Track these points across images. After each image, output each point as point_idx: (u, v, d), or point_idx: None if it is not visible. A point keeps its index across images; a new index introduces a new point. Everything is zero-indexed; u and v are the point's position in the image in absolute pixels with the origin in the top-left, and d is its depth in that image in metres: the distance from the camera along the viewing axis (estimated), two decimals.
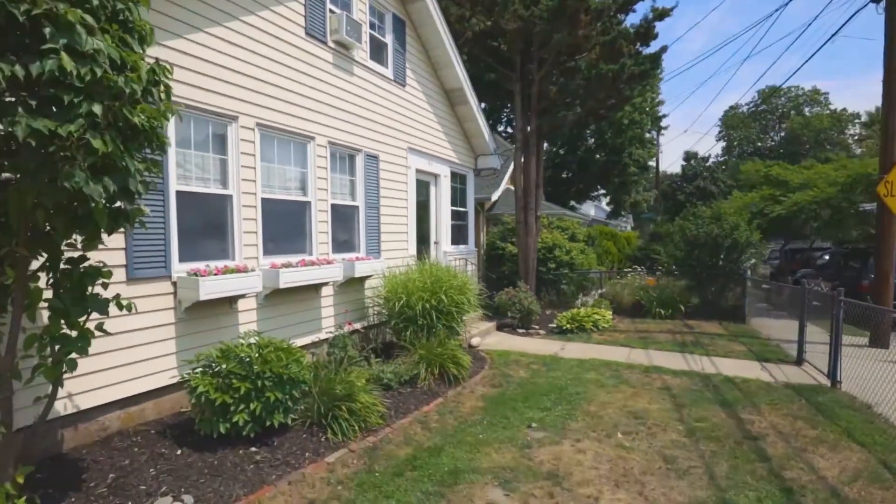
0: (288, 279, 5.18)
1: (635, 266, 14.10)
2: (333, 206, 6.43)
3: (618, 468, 3.73)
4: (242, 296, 4.87)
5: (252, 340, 4.13)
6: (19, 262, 2.58)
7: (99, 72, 2.23)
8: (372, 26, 7.26)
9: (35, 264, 2.76)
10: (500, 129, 23.01)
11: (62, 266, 2.80)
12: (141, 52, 2.62)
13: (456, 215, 10.03)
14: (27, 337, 2.71)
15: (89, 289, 2.82)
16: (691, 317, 10.37)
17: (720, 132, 66.91)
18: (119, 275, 3.92)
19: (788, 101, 66.25)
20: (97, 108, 2.23)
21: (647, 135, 24.32)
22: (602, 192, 25.72)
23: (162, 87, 2.68)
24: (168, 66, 2.77)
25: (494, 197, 16.05)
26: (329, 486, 3.38)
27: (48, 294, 2.79)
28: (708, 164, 40.29)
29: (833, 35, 11.16)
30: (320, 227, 6.16)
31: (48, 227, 2.63)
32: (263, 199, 5.32)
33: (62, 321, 2.73)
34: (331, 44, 6.30)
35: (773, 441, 4.21)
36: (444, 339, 6.00)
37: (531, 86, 10.92)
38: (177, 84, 4.02)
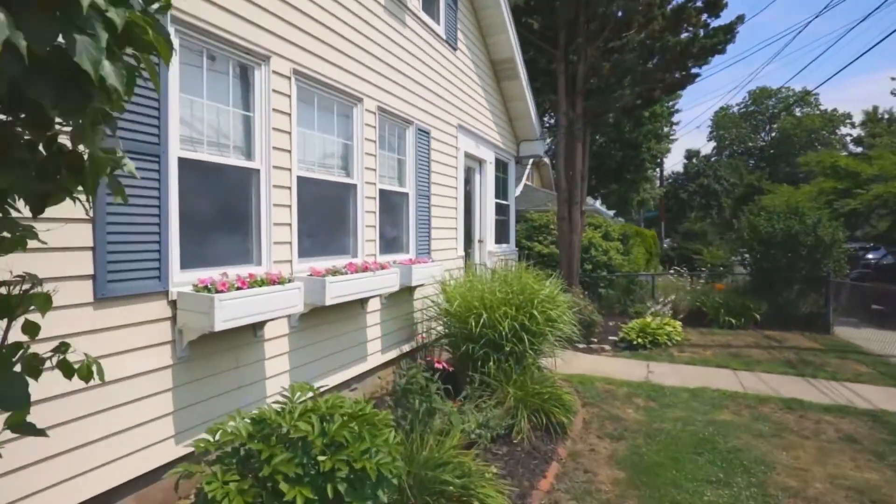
0: (337, 292, 3.59)
1: (675, 268, 12.76)
2: (382, 193, 4.85)
3: None
4: (272, 318, 3.24)
5: (304, 398, 2.53)
6: None
7: None
8: None
9: None
10: None
11: None
12: None
13: (498, 209, 8.50)
14: None
15: None
16: (766, 326, 9.01)
17: (711, 132, 66.79)
18: (79, 292, 2.30)
19: (779, 102, 66.55)
20: None
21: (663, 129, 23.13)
22: (613, 188, 24.44)
23: None
24: None
25: (517, 192, 14.58)
26: None
27: None
28: (711, 161, 39.54)
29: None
30: (367, 220, 4.57)
31: None
32: (300, 179, 3.72)
33: None
34: None
35: None
36: (534, 369, 4.47)
37: (576, 65, 9.47)
38: None
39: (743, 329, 9.01)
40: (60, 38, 0.82)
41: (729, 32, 8.60)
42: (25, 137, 0.99)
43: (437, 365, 4.83)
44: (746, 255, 10.03)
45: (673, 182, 37.15)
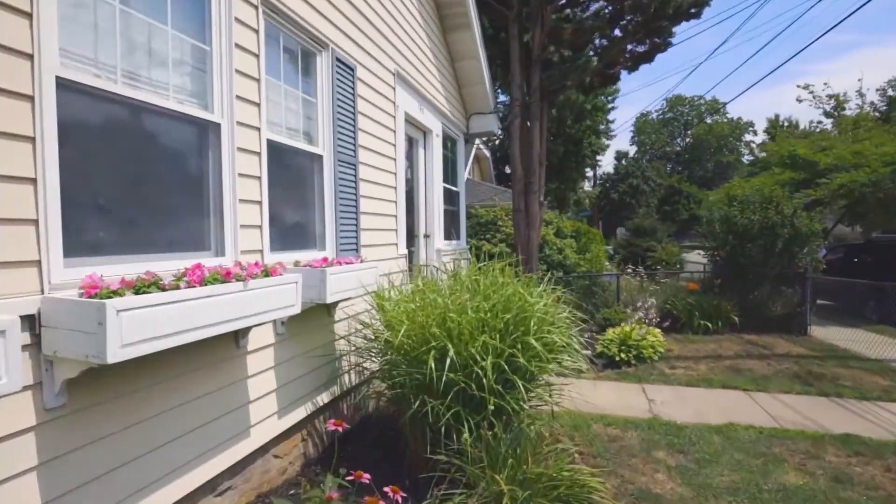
0: (144, 331, 1.64)
1: (631, 266, 11.78)
2: (275, 149, 2.90)
3: None
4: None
5: None
6: None
7: None
8: None
9: None
10: None
11: None
12: None
13: (447, 197, 6.78)
14: None
15: None
16: (743, 329, 8.06)
17: (633, 136, 70.44)
18: None
19: (692, 110, 71.60)
20: None
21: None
22: (551, 187, 23.66)
23: None
24: None
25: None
26: None
27: None
28: (641, 162, 40.82)
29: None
30: (244, 190, 2.62)
31: None
32: (58, 85, 1.71)
33: None
34: None
35: None
36: (532, 433, 2.77)
37: (532, 31, 8.00)
38: None
39: (720, 334, 7.99)
40: None
41: None
42: None
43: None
44: (715, 252, 9.10)
45: (604, 182, 37.74)
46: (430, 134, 5.96)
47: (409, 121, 5.28)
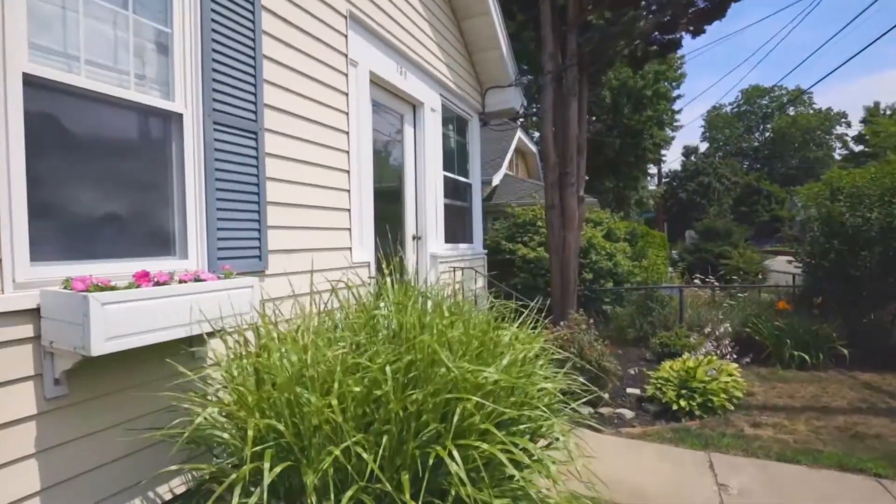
0: None
1: (698, 276, 9.77)
2: (39, 86, 1.70)
3: None
4: None
5: None
6: None
7: None
8: None
9: None
10: None
11: None
12: None
13: (453, 190, 5.41)
14: None
15: None
16: (854, 365, 6.00)
17: (704, 132, 65.46)
18: None
19: (772, 101, 65.12)
20: None
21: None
22: (608, 185, 21.44)
23: None
24: None
25: (495, 181, 11.55)
26: None
27: None
28: (713, 158, 37.10)
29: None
30: None
31: None
32: None
33: None
34: None
35: None
36: None
37: None
38: None
39: (821, 370, 5.98)
40: None
41: None
42: None
43: None
44: (812, 261, 7.04)
45: (671, 181, 34.40)
46: (422, 108, 4.63)
47: (383, 86, 3.98)
